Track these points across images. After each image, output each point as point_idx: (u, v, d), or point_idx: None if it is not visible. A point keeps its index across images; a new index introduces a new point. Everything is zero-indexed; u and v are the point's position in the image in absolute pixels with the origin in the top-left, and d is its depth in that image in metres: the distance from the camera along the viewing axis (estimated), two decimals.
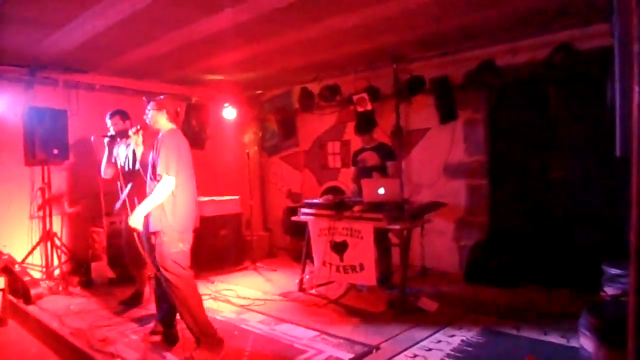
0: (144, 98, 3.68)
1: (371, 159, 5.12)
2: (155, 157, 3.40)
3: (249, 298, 4.81)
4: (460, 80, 5.30)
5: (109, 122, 4.46)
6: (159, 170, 3.29)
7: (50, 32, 4.39)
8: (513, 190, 5.27)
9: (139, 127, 3.84)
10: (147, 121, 3.56)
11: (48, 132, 5.36)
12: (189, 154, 3.50)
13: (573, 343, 3.33)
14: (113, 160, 4.33)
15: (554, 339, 3.51)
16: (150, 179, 3.46)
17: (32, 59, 5.25)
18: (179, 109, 3.68)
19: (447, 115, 5.37)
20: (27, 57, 5.14)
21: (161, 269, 3.33)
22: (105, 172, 4.41)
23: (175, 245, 3.33)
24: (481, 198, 5.46)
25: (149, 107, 3.53)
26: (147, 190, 3.47)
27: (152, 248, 3.43)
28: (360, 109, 5.91)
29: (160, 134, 3.47)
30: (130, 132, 3.89)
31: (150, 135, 3.66)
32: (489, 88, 5.22)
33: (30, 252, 5.41)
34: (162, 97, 3.60)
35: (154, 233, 3.34)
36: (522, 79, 5.01)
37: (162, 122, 3.50)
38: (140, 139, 3.88)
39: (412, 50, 5.49)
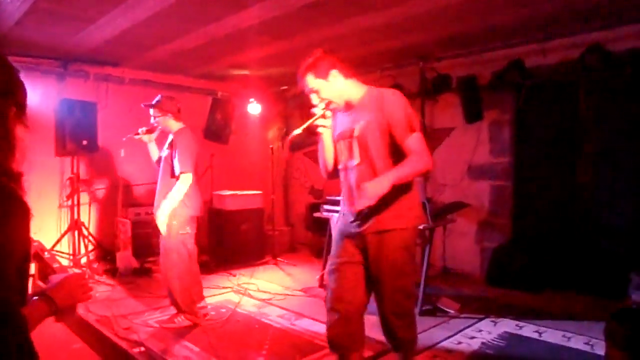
0: (142, 105, 4.02)
1: None
2: (171, 155, 3.77)
3: (269, 292, 4.86)
4: (488, 80, 5.23)
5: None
6: (181, 168, 3.66)
7: (82, 27, 4.49)
8: (538, 193, 5.19)
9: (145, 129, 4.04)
10: (157, 125, 3.94)
11: (78, 123, 5.49)
12: (198, 149, 3.93)
13: (598, 350, 3.28)
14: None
15: (578, 345, 3.46)
16: (165, 176, 3.83)
17: (64, 52, 5.38)
18: (179, 106, 3.98)
19: (473, 115, 5.31)
20: (60, 50, 5.27)
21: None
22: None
23: (184, 228, 3.78)
24: (505, 200, 5.39)
25: (154, 115, 3.90)
26: (162, 186, 3.83)
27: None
28: None
29: (172, 133, 3.86)
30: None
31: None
32: (517, 88, 5.13)
33: (59, 240, 5.56)
34: (159, 98, 3.94)
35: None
36: (551, 80, 4.92)
37: (171, 123, 3.90)
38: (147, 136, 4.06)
39: (439, 49, 5.44)
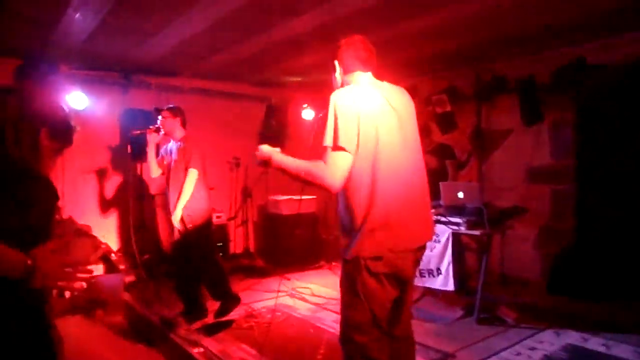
0: (153, 108, 4.28)
1: (431, 162, 5.05)
2: (184, 158, 4.02)
3: (324, 297, 4.89)
4: (547, 80, 5.02)
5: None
6: (191, 165, 3.98)
7: (143, 40, 4.71)
8: (603, 197, 4.90)
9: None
10: (162, 129, 4.15)
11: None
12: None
13: None
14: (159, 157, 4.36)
15: None
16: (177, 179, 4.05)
17: (128, 64, 5.67)
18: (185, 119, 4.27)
19: (531, 116, 5.12)
20: (124, 62, 5.57)
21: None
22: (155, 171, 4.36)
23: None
24: (567, 204, 5.15)
25: (164, 116, 4.11)
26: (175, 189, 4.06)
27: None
28: (439, 110, 5.80)
29: (179, 140, 4.10)
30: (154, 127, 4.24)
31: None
32: (579, 87, 4.90)
33: (126, 242, 5.85)
34: (172, 106, 4.20)
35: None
36: (616, 77, 4.66)
37: (177, 129, 4.15)
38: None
39: (494, 50, 5.27)
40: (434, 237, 4.29)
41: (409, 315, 2.33)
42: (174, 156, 4.14)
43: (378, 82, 2.29)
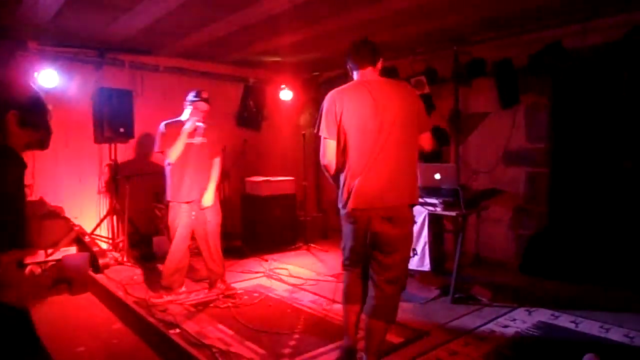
0: (205, 98, 4.24)
1: None
2: (211, 142, 4.26)
3: (301, 277, 4.91)
4: (524, 63, 5.06)
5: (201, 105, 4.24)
6: (218, 154, 4.36)
7: (117, 16, 4.57)
8: (577, 180, 5.01)
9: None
10: (202, 115, 4.19)
11: (115, 111, 5.62)
12: None
13: (638, 343, 3.19)
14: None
15: (617, 337, 3.36)
16: (205, 160, 4.26)
17: (101, 42, 5.50)
18: None
19: (508, 99, 5.17)
20: (97, 39, 5.39)
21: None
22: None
23: None
24: (541, 187, 5.24)
25: (206, 107, 4.22)
26: (202, 170, 4.24)
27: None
28: (417, 92, 5.79)
29: (202, 124, 4.18)
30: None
31: None
32: (555, 71, 4.95)
33: (98, 225, 5.76)
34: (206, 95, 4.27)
35: None
36: (592, 62, 4.72)
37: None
38: None
39: (473, 32, 5.29)
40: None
41: (393, 274, 2.70)
42: (195, 140, 4.20)
43: (372, 77, 2.72)
